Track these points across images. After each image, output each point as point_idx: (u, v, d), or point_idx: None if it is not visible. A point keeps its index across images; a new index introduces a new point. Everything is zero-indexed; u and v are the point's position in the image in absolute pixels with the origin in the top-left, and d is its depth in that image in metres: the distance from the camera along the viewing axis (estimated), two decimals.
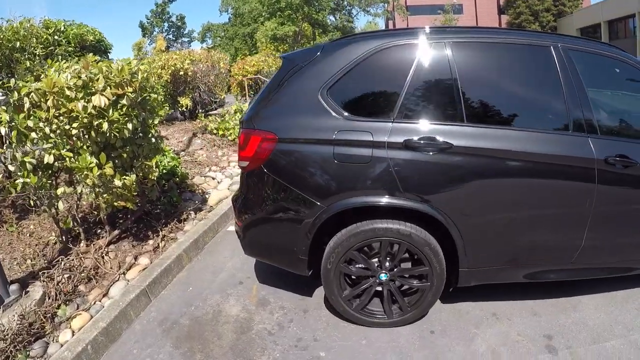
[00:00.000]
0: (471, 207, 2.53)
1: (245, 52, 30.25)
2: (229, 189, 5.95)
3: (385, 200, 2.48)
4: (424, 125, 2.51)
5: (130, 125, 3.30)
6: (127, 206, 3.57)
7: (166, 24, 45.40)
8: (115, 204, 3.45)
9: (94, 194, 3.31)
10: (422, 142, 2.46)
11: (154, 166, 3.80)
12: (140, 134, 3.62)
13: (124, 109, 3.24)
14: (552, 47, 2.65)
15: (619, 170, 2.55)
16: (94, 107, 3.03)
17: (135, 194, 3.58)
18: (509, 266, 2.73)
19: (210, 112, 10.74)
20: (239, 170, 7.07)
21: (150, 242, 4.03)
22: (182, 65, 9.26)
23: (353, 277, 2.81)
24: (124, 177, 3.38)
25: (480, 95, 2.61)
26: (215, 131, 8.63)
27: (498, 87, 2.68)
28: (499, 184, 2.52)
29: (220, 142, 8.37)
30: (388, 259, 2.70)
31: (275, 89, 2.69)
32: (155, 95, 3.67)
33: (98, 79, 3.08)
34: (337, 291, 2.74)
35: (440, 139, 2.46)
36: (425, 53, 2.58)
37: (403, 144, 2.46)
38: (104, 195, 3.31)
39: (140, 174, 3.69)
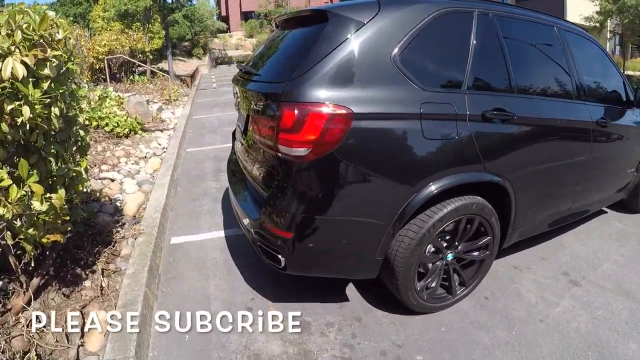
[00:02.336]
0: (525, 172, 2.64)
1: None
2: (140, 190, 4.69)
3: (473, 176, 2.36)
4: (491, 96, 2.49)
5: (57, 110, 2.07)
6: (57, 240, 2.30)
7: None
8: (45, 240, 2.17)
9: (8, 232, 2.00)
10: (495, 112, 2.42)
11: (84, 172, 2.55)
12: (62, 125, 2.34)
13: (46, 85, 1.99)
14: (554, 28, 3.01)
15: (601, 128, 3.17)
16: (3, 79, 1.76)
17: (67, 218, 2.34)
18: (542, 218, 3.03)
19: None
20: (137, 167, 6.00)
21: (87, 282, 2.77)
22: None
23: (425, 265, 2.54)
24: (49, 195, 2.14)
25: (523, 69, 2.71)
26: (86, 122, 6.90)
27: (533, 61, 2.87)
28: (543, 148, 2.74)
29: (96, 134, 6.74)
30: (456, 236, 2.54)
31: (331, 51, 2.09)
32: (74, 67, 2.40)
33: (9, 33, 1.79)
34: (414, 285, 2.43)
35: (506, 109, 2.47)
36: (479, 23, 2.49)
37: (481, 115, 2.35)
38: (29, 231, 2.03)
39: (68, 189, 2.42)
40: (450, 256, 2.53)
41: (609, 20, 18.70)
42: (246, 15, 42.40)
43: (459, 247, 2.58)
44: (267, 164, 2.33)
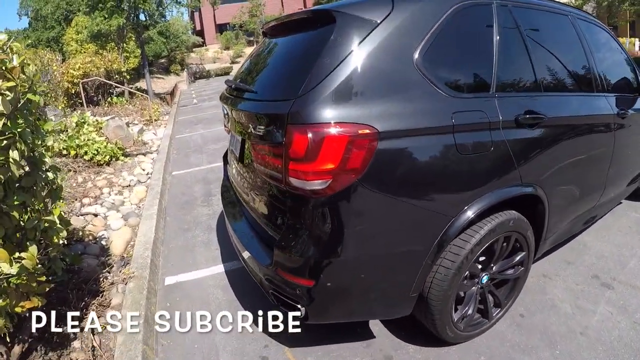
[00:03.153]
0: (556, 175, 2.42)
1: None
2: (127, 224, 4.33)
3: (511, 191, 2.12)
4: (520, 98, 2.24)
5: (16, 154, 1.73)
6: (33, 305, 1.96)
7: None
8: (19, 309, 1.83)
9: None
10: (527, 116, 2.17)
11: (58, 221, 2.20)
12: (26, 168, 2.00)
13: (1, 122, 1.66)
14: (569, 16, 2.80)
15: (620, 119, 2.99)
16: None
17: (44, 279, 1.99)
18: (573, 220, 2.83)
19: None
20: (121, 197, 5.61)
21: (76, 343, 2.43)
22: None
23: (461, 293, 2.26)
24: (20, 255, 1.80)
25: (547, 63, 2.51)
26: (64, 152, 6.54)
27: (556, 54, 2.62)
28: (571, 148, 2.53)
29: (75, 164, 6.36)
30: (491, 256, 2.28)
31: (343, 59, 1.75)
32: (37, 98, 2.06)
33: None
34: (451, 317, 2.16)
35: (537, 110, 2.22)
36: (500, 16, 2.22)
37: (514, 121, 2.11)
38: None
39: (42, 241, 2.08)
40: (485, 279, 2.28)
41: (587, 4, 18.69)
42: (221, 28, 41.96)
43: (494, 268, 2.32)
44: (273, 197, 2.01)
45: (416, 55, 1.84)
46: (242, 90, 2.34)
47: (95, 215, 4.62)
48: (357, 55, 1.75)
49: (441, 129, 1.84)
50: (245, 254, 2.27)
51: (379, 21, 1.82)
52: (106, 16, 15.52)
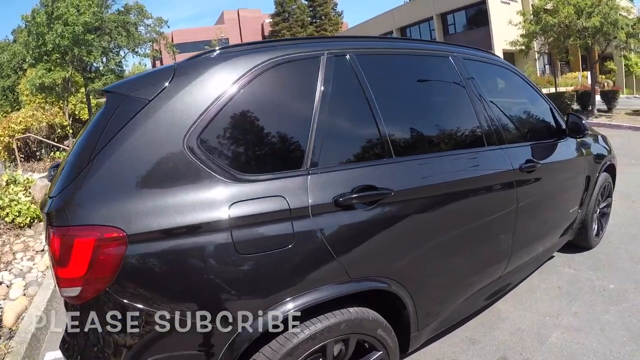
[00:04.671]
0: (421, 260, 2.08)
1: (7, 108, 26.63)
2: (25, 294, 4.37)
3: (325, 293, 1.71)
4: (353, 170, 1.88)
5: None
6: None
7: None
8: None
9: None
10: (359, 194, 1.79)
11: None
12: None
13: None
14: (450, 57, 2.47)
15: (526, 173, 2.62)
16: None
17: None
18: (467, 297, 2.46)
19: None
20: (30, 263, 5.61)
21: None
22: None
23: None
24: None
25: (403, 122, 2.19)
26: None
27: (419, 107, 2.35)
28: (444, 219, 2.19)
29: None
30: None
31: (103, 146, 1.54)
32: None
33: None
34: None
35: (378, 185, 1.86)
36: (330, 69, 1.91)
37: (334, 202, 1.74)
38: None
39: None
40: None
41: (534, 42, 19.63)
42: None
43: None
44: None
45: (188, 135, 1.57)
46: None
47: (0, 282, 4.63)
48: (116, 143, 1.52)
49: (212, 226, 1.52)
50: None
51: (149, 99, 1.58)
52: (52, 68, 15.69)
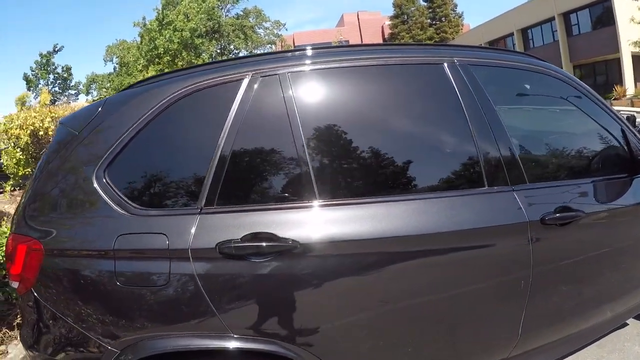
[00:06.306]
0: (344, 335, 1.66)
1: None
2: None
3: (197, 342, 1.58)
4: (252, 213, 1.62)
5: None
6: None
7: (52, 76, 40.23)
8: None
9: None
10: (250, 243, 1.54)
11: None
12: None
13: None
14: (445, 64, 1.88)
15: (562, 229, 1.84)
16: None
17: None
18: None
19: None
20: None
21: None
22: (41, 125, 7.84)
23: None
24: None
25: (335, 151, 1.76)
26: None
27: (363, 132, 1.83)
28: (370, 289, 1.66)
29: None
30: None
31: (42, 170, 1.84)
32: None
33: None
34: None
35: (280, 234, 1.56)
36: (249, 93, 1.70)
37: (217, 249, 1.54)
38: None
39: None
40: None
41: None
42: None
43: None
44: None
45: (98, 167, 1.67)
46: None
47: None
48: (47, 169, 1.80)
49: (102, 253, 1.62)
50: None
51: (77, 132, 1.77)
52: (164, 69, 17.11)
